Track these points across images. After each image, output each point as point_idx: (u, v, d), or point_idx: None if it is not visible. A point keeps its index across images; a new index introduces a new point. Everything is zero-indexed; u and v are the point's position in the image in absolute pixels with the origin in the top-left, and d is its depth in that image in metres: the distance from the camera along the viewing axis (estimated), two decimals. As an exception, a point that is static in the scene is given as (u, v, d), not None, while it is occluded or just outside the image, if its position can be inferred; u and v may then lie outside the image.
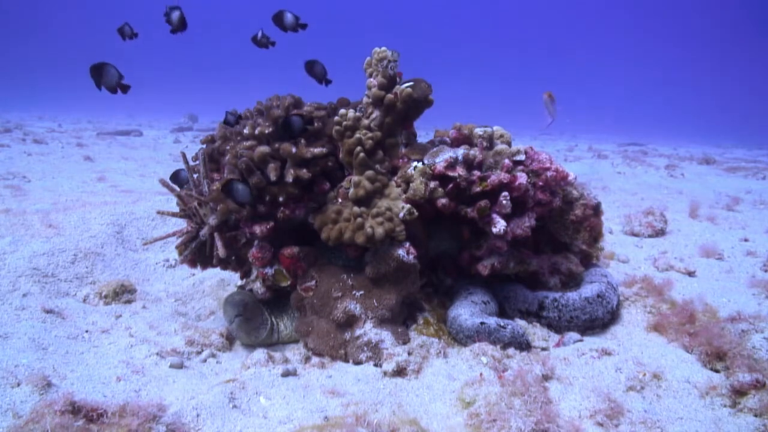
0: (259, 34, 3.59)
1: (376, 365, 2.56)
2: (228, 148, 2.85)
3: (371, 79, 2.90)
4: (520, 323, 2.92)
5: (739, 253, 4.40)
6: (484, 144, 2.95)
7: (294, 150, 2.70)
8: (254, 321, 2.82)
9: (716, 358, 2.42)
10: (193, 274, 3.88)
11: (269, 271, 2.85)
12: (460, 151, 2.81)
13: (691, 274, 3.87)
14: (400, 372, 2.46)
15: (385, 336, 2.64)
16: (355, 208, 2.72)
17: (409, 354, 2.55)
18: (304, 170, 2.72)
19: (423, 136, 3.23)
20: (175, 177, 3.03)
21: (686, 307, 2.88)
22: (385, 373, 2.45)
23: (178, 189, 2.98)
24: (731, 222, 5.65)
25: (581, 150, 15.39)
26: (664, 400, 2.19)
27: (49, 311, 2.93)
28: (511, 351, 2.56)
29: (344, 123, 2.82)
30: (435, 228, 3.03)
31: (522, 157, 2.94)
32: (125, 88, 2.78)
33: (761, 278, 3.63)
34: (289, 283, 2.86)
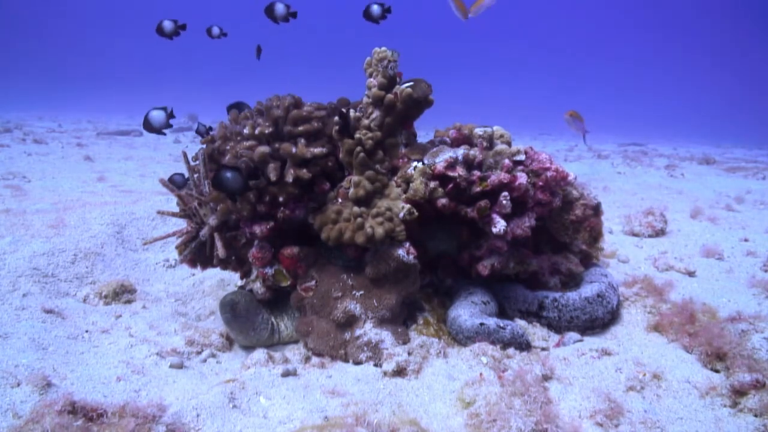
0: (215, 30, 3.67)
1: (376, 365, 2.56)
2: (228, 148, 2.85)
3: (371, 79, 2.90)
4: (520, 323, 2.92)
5: (739, 253, 4.40)
6: (484, 144, 2.95)
7: (294, 150, 2.70)
8: (248, 320, 2.80)
9: (716, 358, 2.42)
10: (193, 274, 3.88)
11: (269, 271, 2.85)
12: (460, 151, 2.81)
13: (691, 274, 3.87)
14: (400, 372, 2.46)
15: (385, 336, 2.64)
16: (355, 208, 2.72)
17: (409, 354, 2.55)
18: (304, 170, 2.72)
19: (423, 136, 3.23)
20: (171, 181, 3.05)
21: (686, 307, 2.88)
22: (385, 373, 2.46)
23: (177, 189, 2.99)
24: (731, 222, 5.65)
25: (581, 150, 15.39)
26: (664, 400, 2.19)
27: (49, 311, 2.93)
28: (511, 351, 2.56)
29: (344, 123, 2.82)
30: (435, 228, 3.03)
31: (522, 157, 2.94)
32: (171, 115, 3.10)
33: (761, 278, 3.63)
34: (289, 283, 2.86)
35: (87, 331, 2.82)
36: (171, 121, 3.07)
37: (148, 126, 2.99)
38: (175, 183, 3.04)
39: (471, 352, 2.54)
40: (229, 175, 2.55)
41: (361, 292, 2.75)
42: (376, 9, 3.48)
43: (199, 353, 2.75)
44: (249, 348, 2.83)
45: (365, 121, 2.87)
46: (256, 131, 2.74)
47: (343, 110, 2.75)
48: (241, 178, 2.57)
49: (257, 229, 2.77)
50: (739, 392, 2.13)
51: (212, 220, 2.84)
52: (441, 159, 2.78)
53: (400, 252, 2.71)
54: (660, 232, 5.07)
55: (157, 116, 2.93)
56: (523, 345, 2.63)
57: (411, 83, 2.88)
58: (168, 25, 3.57)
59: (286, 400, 2.23)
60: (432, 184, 2.76)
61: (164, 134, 3.05)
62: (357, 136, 2.81)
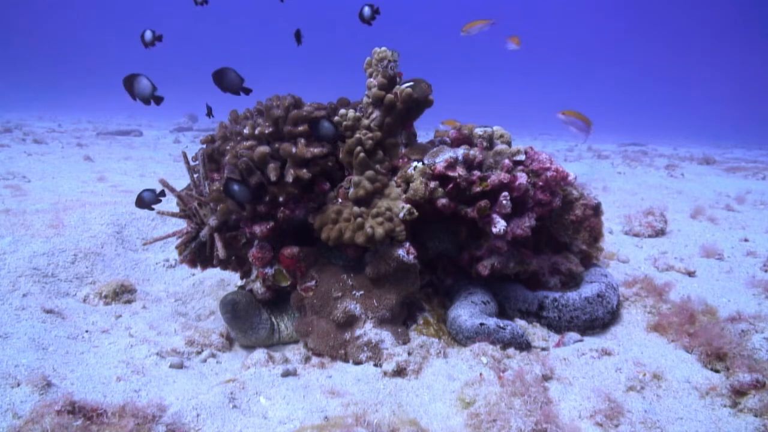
0: (147, 35, 3.67)
1: (376, 365, 2.56)
2: (228, 148, 2.85)
3: (371, 79, 2.90)
4: (520, 323, 2.92)
5: (739, 253, 4.40)
6: (484, 144, 2.95)
7: (294, 150, 2.70)
8: (248, 320, 2.80)
9: (716, 358, 2.42)
10: (193, 274, 3.88)
11: (269, 271, 2.85)
12: (460, 151, 2.81)
13: (691, 274, 3.87)
14: (400, 372, 2.46)
15: (385, 336, 2.64)
16: (355, 208, 2.72)
17: (409, 354, 2.55)
18: (304, 170, 2.72)
19: (423, 136, 3.23)
20: (140, 200, 3.00)
21: (686, 307, 2.88)
22: (385, 373, 2.45)
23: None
24: (731, 222, 5.65)
25: (581, 150, 15.40)
26: (664, 400, 2.19)
27: (49, 311, 2.93)
28: (511, 351, 2.56)
29: (344, 123, 2.82)
30: (435, 228, 3.03)
31: (522, 157, 2.94)
32: (159, 100, 2.83)
33: (761, 278, 3.63)
34: (289, 283, 2.86)
35: (87, 331, 2.82)
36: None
37: (130, 88, 2.80)
38: (144, 200, 2.99)
39: (471, 353, 2.54)
40: (236, 188, 2.59)
41: (361, 292, 2.75)
42: (366, 11, 3.59)
43: (199, 353, 2.75)
44: (249, 348, 2.83)
45: (365, 121, 2.87)
46: (256, 131, 2.74)
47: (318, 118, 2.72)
48: (248, 192, 2.61)
49: (257, 229, 2.77)
50: (739, 392, 2.13)
51: (212, 221, 2.84)
52: (441, 159, 2.78)
53: (400, 252, 2.71)
54: (660, 232, 5.07)
55: (145, 85, 2.82)
56: (523, 345, 2.63)
57: (411, 83, 2.88)
58: (148, 35, 3.61)
59: (286, 400, 2.23)
60: (432, 184, 2.76)
61: (134, 99, 2.86)
62: (357, 136, 2.81)
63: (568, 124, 4.32)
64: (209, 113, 3.05)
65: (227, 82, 2.78)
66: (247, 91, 2.84)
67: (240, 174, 2.68)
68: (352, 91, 3.16)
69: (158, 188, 2.99)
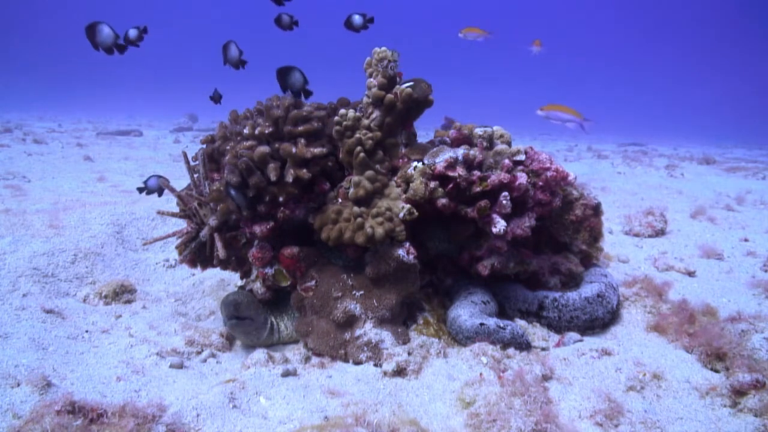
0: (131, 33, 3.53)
1: (376, 365, 2.56)
2: (228, 148, 2.85)
3: (371, 79, 2.90)
4: (520, 323, 2.92)
5: (739, 253, 4.40)
6: (484, 144, 2.95)
7: (294, 150, 2.70)
8: (251, 321, 2.81)
9: (716, 358, 2.42)
10: (193, 274, 3.88)
11: (269, 271, 2.85)
12: (460, 151, 2.81)
13: (691, 274, 3.87)
14: (400, 372, 2.46)
15: (385, 336, 2.64)
16: (355, 208, 2.72)
17: (409, 354, 2.55)
18: (304, 170, 2.72)
19: (423, 136, 3.23)
20: (147, 185, 3.00)
21: (686, 308, 2.88)
22: (385, 373, 2.45)
23: (177, 189, 2.98)
24: (731, 222, 5.65)
25: (581, 150, 15.40)
26: (664, 400, 2.19)
27: (49, 311, 2.93)
28: (511, 351, 2.56)
29: (344, 123, 2.82)
30: (435, 228, 3.03)
31: (522, 157, 2.94)
32: (122, 48, 2.77)
33: (761, 278, 3.63)
34: (289, 283, 2.86)
35: (87, 331, 2.82)
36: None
37: (92, 37, 2.72)
38: (151, 187, 2.99)
39: (471, 352, 2.54)
40: (233, 192, 2.61)
41: (361, 292, 2.75)
42: (357, 19, 3.51)
43: (199, 353, 2.75)
44: (249, 348, 2.83)
45: (365, 121, 2.87)
46: (256, 131, 2.74)
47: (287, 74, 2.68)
48: (247, 199, 2.64)
49: (257, 229, 2.77)
50: (739, 392, 2.13)
51: (212, 221, 2.84)
52: (441, 159, 2.78)
53: (400, 252, 2.71)
54: (660, 232, 5.07)
55: (107, 33, 2.73)
56: (523, 345, 2.63)
57: (411, 83, 2.88)
58: (133, 32, 3.52)
59: (286, 400, 2.23)
60: (432, 184, 2.76)
61: (97, 49, 2.74)
62: (357, 136, 2.81)
63: (550, 119, 4.28)
64: (216, 98, 3.03)
65: (229, 54, 2.80)
66: (244, 64, 2.83)
67: (240, 174, 2.68)
68: (352, 91, 3.16)
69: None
